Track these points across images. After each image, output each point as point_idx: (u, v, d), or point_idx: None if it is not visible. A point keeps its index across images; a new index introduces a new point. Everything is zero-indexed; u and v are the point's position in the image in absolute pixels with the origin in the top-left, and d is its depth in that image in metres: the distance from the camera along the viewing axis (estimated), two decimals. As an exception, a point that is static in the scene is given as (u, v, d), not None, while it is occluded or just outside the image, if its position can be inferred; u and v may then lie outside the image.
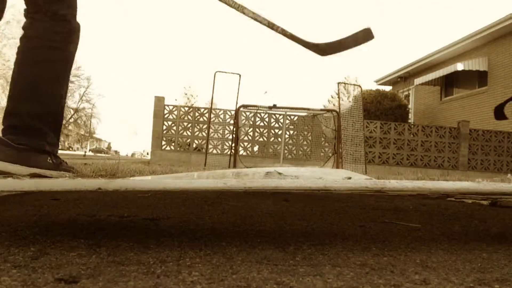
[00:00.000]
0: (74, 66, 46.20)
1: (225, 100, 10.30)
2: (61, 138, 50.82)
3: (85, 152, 36.31)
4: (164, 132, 10.47)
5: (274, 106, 7.16)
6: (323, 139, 10.43)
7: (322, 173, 2.75)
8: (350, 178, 1.55)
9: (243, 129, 10.20)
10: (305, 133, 10.81)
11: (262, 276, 0.82)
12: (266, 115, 10.72)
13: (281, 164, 7.88)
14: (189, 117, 10.58)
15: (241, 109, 8.62)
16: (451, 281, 0.83)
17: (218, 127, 10.49)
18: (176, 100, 40.44)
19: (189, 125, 10.56)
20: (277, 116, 10.67)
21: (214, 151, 10.23)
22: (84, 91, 50.51)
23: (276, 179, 1.25)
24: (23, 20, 1.92)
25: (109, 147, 74.70)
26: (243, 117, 10.37)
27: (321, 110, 9.36)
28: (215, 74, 8.37)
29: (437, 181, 1.07)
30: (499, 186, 1.11)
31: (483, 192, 1.14)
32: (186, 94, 45.00)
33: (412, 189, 1.03)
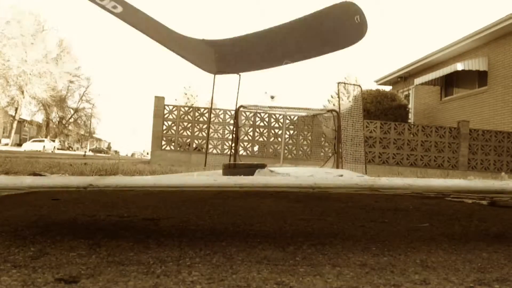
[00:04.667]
0: (74, 66, 46.14)
1: (225, 100, 10.27)
2: (61, 138, 50.68)
3: (85, 152, 36.29)
4: (164, 132, 10.47)
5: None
6: (323, 139, 10.42)
7: (324, 173, 2.74)
8: (341, 175, 1.54)
9: (243, 129, 10.19)
10: (305, 133, 10.80)
11: (262, 276, 0.82)
12: (266, 115, 10.71)
13: (281, 164, 7.88)
14: (189, 117, 10.57)
15: (241, 109, 8.61)
16: (451, 281, 0.83)
17: (218, 127, 10.48)
18: (176, 100, 40.41)
19: (189, 125, 10.55)
20: (277, 116, 10.66)
21: (214, 151, 10.22)
22: (84, 91, 50.55)
23: (267, 176, 1.25)
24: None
25: (109, 147, 74.65)
26: (243, 117, 10.37)
27: (321, 110, 9.35)
28: (215, 74, 8.36)
29: (427, 179, 1.06)
30: (490, 184, 1.11)
31: (475, 190, 1.13)
32: (186, 94, 44.95)
33: (402, 186, 1.02)
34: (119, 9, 1.65)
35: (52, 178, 0.96)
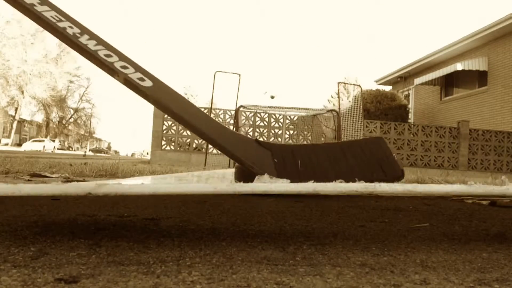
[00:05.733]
0: (74, 66, 46.15)
1: (225, 100, 10.27)
2: (61, 138, 50.72)
3: (85, 152, 36.30)
4: (164, 132, 10.47)
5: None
6: (323, 139, 10.43)
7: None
8: (341, 181, 1.53)
9: (243, 129, 10.19)
10: (305, 133, 10.80)
11: (262, 276, 0.82)
12: (266, 115, 10.71)
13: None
14: (189, 117, 10.56)
15: (241, 109, 8.62)
16: (451, 281, 0.83)
17: (218, 127, 10.47)
18: (176, 100, 40.24)
19: (189, 125, 10.54)
20: (277, 116, 10.66)
21: (214, 151, 10.22)
22: (84, 91, 50.59)
23: (267, 182, 1.25)
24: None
25: (109, 147, 74.72)
26: (243, 117, 10.37)
27: (321, 110, 9.35)
28: (215, 74, 8.39)
29: (427, 184, 1.07)
30: (490, 189, 1.11)
31: (474, 195, 1.14)
32: (186, 94, 44.89)
33: (402, 192, 1.03)
34: (148, 83, 1.27)
35: (51, 186, 0.96)
